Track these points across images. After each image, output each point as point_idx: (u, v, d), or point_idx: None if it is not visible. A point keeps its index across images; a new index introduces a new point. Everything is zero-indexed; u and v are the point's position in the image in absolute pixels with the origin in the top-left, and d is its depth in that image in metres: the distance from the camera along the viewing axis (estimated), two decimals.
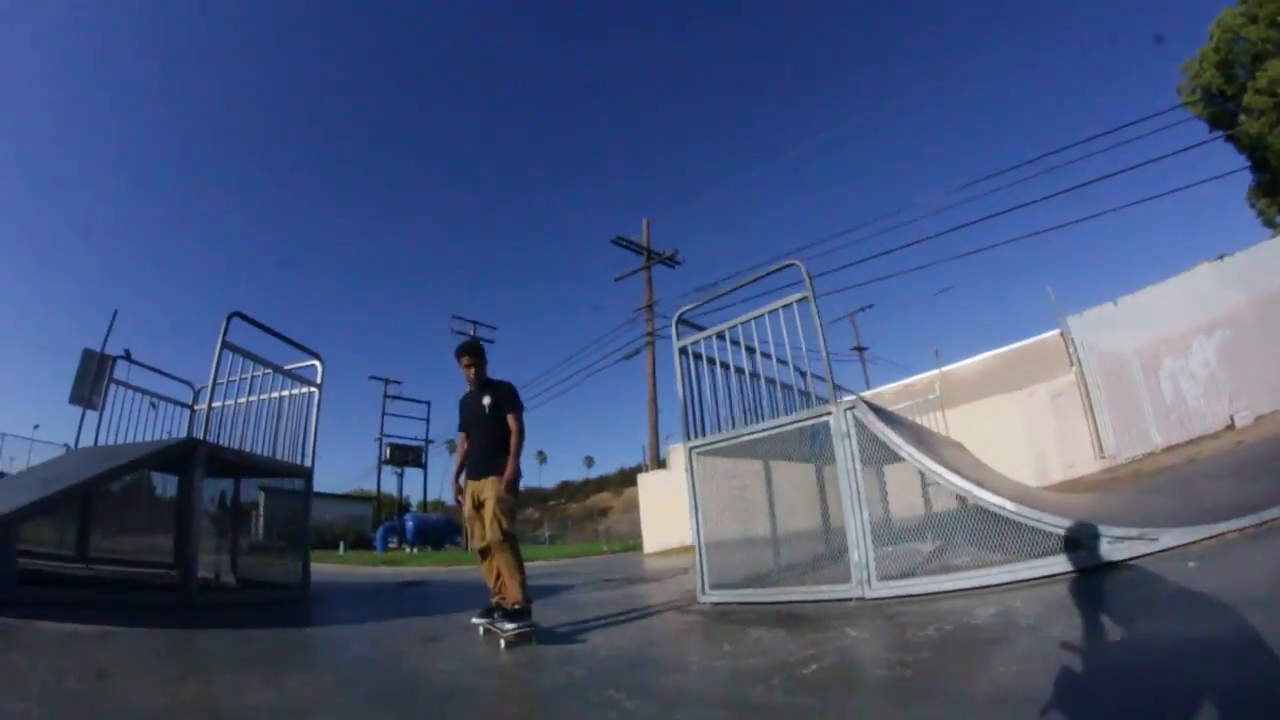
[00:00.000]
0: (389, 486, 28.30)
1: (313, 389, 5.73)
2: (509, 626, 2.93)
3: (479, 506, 3.23)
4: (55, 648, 2.63)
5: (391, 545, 22.47)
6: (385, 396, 27.68)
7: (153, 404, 6.37)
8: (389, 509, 27.29)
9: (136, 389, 6.28)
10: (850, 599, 3.16)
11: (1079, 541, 2.81)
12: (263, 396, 5.51)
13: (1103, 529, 2.82)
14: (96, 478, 3.90)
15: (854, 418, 3.27)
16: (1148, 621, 2.12)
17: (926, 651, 2.17)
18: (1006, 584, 2.87)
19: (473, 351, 3.53)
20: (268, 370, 5.33)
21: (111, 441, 5.94)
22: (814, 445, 3.44)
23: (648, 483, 14.78)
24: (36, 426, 27.16)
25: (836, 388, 3.58)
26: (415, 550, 20.73)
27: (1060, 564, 2.80)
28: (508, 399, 3.43)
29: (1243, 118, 13.35)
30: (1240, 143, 14.02)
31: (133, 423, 6.14)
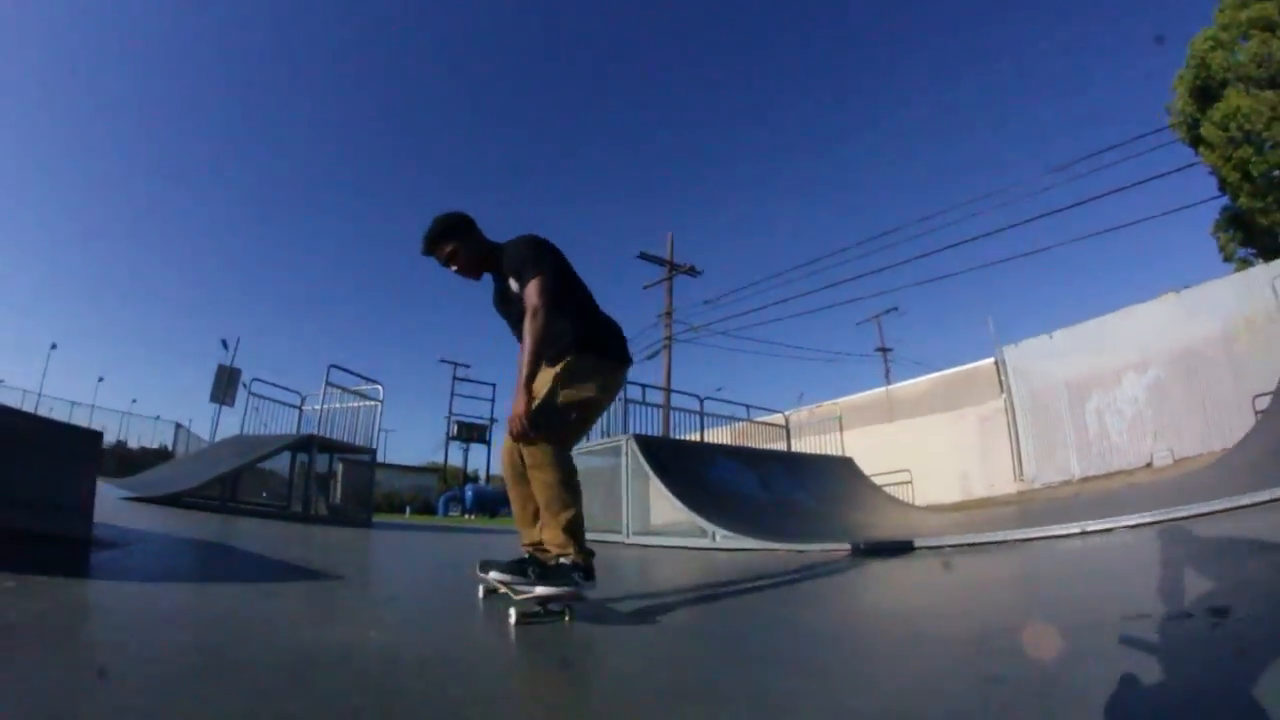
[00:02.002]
0: (456, 459, 33.18)
1: (377, 403, 9.54)
2: (536, 590, 2.05)
3: None
4: (253, 521, 6.44)
5: (453, 512, 27.09)
6: (454, 379, 32.59)
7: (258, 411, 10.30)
8: (454, 480, 32.18)
9: (261, 396, 10.23)
10: (622, 540, 6.43)
11: (706, 532, 5.66)
12: (349, 405, 9.39)
13: (718, 530, 5.56)
14: (264, 455, 7.78)
15: (634, 446, 6.53)
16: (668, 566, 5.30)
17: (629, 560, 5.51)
18: (692, 547, 5.53)
19: (440, 237, 2.37)
20: (351, 393, 9.19)
21: (248, 429, 10.03)
22: (619, 457, 6.74)
23: None
24: (135, 400, 33.97)
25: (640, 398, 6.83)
26: (472, 517, 25.20)
27: (706, 542, 5.53)
28: (516, 265, 2.29)
29: (1201, 149, 14.04)
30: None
31: (261, 417, 10.16)
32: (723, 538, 5.38)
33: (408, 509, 25.07)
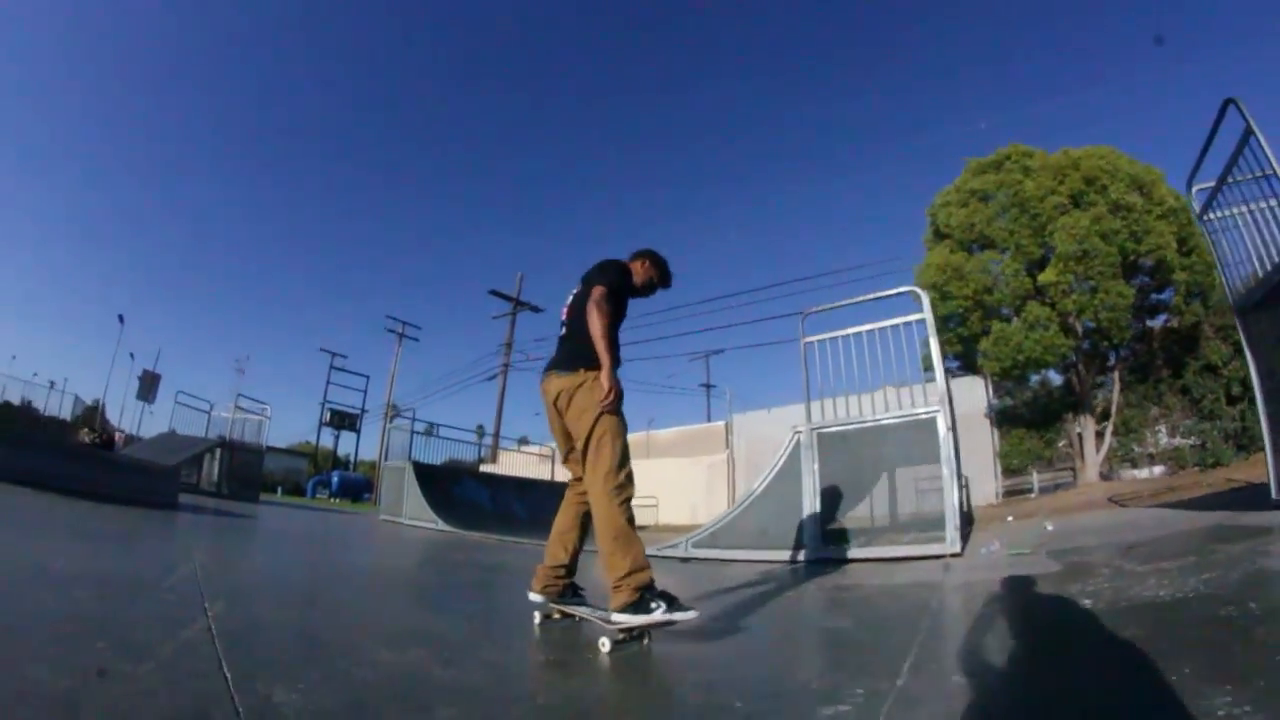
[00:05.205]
0: (328, 443, 38.76)
1: (265, 418, 15.79)
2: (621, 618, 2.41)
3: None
4: (199, 496, 12.75)
5: (321, 495, 32.77)
6: (331, 368, 38.12)
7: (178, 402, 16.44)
8: (325, 462, 37.77)
9: (182, 405, 16.29)
10: (403, 521, 13.09)
11: (436, 521, 12.62)
12: (248, 416, 15.64)
13: (439, 520, 12.57)
14: (201, 451, 13.97)
15: (409, 467, 13.12)
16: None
17: (402, 531, 12.25)
18: (428, 529, 12.56)
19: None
20: (252, 415, 15.44)
21: (168, 424, 16.10)
22: (404, 473, 13.35)
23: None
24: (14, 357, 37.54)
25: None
26: (337, 500, 31.07)
27: (434, 527, 12.54)
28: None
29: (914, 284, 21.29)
30: None
31: (174, 415, 16.24)
32: (442, 525, 12.12)
33: (279, 489, 30.63)
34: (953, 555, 5.35)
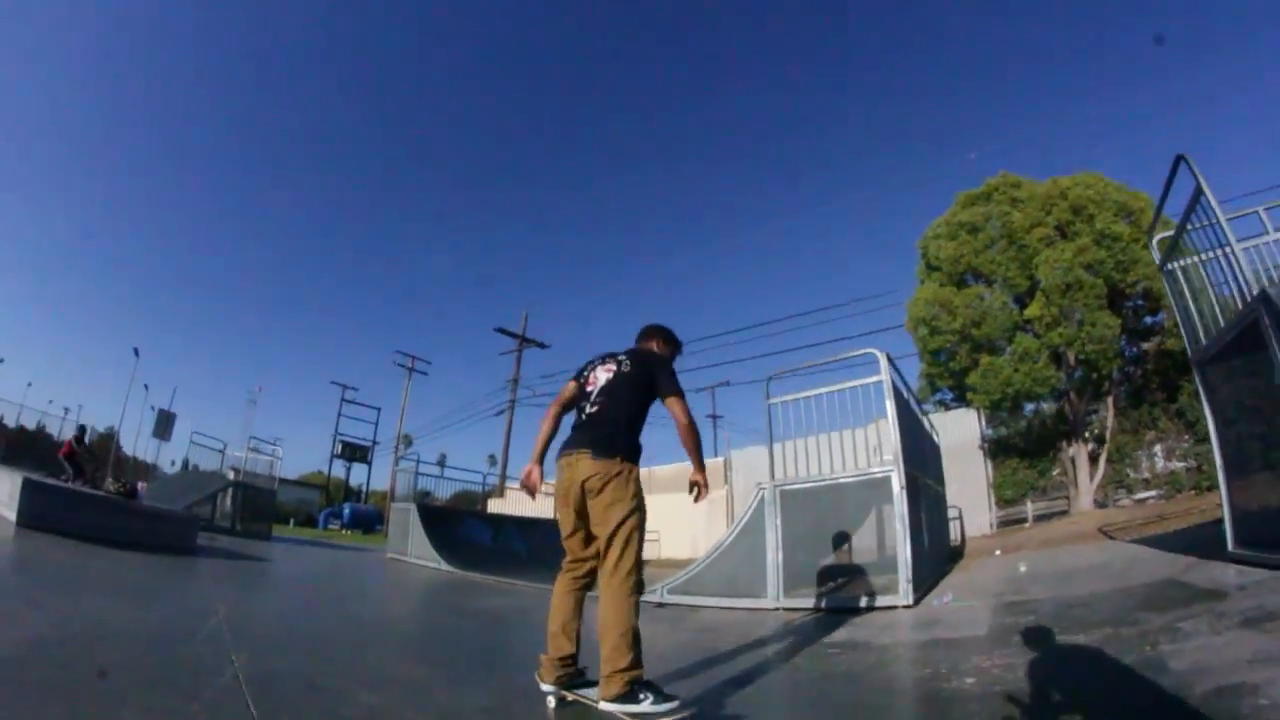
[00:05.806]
0: (340, 473, 39.69)
1: (278, 458, 16.66)
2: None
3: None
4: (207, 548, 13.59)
5: (332, 526, 33.59)
6: (342, 400, 39.16)
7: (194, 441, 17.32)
8: (338, 494, 38.67)
9: (197, 444, 17.22)
10: (408, 559, 13.80)
11: (439, 560, 13.31)
12: (259, 455, 16.51)
13: (441, 561, 13.28)
14: (216, 490, 14.83)
15: (413, 508, 13.85)
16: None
17: (407, 569, 12.98)
18: (432, 568, 13.26)
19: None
20: (264, 455, 16.31)
21: (182, 455, 17.00)
22: (409, 513, 14.10)
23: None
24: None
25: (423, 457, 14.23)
26: (348, 532, 31.88)
27: (437, 566, 13.26)
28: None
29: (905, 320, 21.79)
30: None
31: (189, 453, 17.14)
32: (445, 566, 12.82)
33: (291, 521, 31.49)
34: (905, 607, 5.70)
